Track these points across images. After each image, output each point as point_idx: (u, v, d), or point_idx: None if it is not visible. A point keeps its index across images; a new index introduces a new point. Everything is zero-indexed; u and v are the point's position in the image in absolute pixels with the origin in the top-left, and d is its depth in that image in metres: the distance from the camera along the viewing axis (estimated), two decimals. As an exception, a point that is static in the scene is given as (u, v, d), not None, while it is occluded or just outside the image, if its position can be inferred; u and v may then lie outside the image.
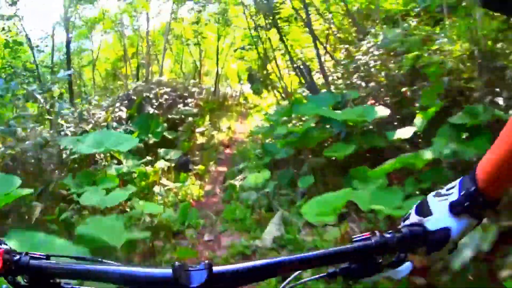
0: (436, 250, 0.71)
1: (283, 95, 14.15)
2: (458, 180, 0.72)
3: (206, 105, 12.70)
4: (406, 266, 0.71)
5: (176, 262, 0.64)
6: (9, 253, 0.70)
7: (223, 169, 7.18)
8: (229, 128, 12.06)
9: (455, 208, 0.68)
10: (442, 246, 0.70)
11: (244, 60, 22.05)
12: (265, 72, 17.19)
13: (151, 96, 8.91)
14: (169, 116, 8.75)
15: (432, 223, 0.70)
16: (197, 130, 9.53)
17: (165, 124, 8.01)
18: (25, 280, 0.71)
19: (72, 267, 0.72)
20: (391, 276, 0.72)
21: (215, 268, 0.64)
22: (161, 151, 6.94)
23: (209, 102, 13.27)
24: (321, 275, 0.74)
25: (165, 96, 9.66)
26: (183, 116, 9.83)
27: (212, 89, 16.79)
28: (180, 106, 10.16)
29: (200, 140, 9.03)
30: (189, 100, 11.18)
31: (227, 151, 8.75)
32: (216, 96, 16.38)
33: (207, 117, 11.98)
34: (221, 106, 16.22)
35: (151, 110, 7.98)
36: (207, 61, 20.38)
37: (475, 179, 0.68)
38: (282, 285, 0.74)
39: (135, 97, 8.72)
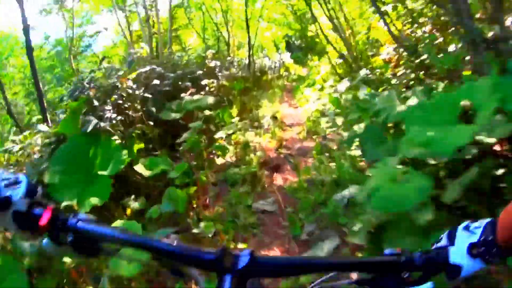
0: (450, 280, 0.75)
1: (347, 59, 9.50)
2: (485, 221, 0.76)
3: (235, 84, 8.22)
4: (428, 286, 0.72)
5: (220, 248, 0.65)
6: (57, 211, 0.74)
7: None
8: (274, 118, 7.54)
9: (472, 250, 0.73)
10: (454, 278, 0.75)
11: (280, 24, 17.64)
12: (314, 33, 12.64)
13: (123, 86, 4.57)
14: (149, 123, 4.38)
15: (452, 255, 0.75)
16: (218, 135, 5.19)
17: (140, 145, 3.69)
18: (69, 239, 0.71)
19: (122, 235, 0.72)
20: None
21: (258, 256, 0.66)
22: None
23: (238, 79, 8.76)
24: (351, 281, 0.76)
25: (155, 81, 5.33)
26: (194, 111, 5.51)
27: (246, 61, 12.32)
28: (187, 94, 5.80)
29: (221, 159, 4.68)
30: (206, 81, 6.78)
31: (278, 181, 4.27)
32: (251, 70, 11.84)
33: (237, 106, 7.55)
34: (258, 83, 11.70)
35: (105, 123, 3.57)
36: (237, 32, 16.04)
37: (495, 228, 0.73)
38: (317, 281, 0.77)
39: (92, 94, 4.42)
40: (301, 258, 0.82)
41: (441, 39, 5.34)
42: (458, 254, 0.75)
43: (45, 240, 0.73)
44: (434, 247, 0.80)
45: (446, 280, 0.77)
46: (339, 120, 5.36)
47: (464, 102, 2.02)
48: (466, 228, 0.77)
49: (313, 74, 13.07)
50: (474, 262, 0.74)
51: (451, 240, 0.77)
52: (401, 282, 0.73)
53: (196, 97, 5.73)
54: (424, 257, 0.74)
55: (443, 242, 0.79)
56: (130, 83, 4.71)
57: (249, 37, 12.34)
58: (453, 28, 4.67)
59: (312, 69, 14.06)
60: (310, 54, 17.49)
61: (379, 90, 5.16)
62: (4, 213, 0.71)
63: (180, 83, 5.99)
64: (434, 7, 5.64)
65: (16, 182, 0.74)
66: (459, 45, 4.39)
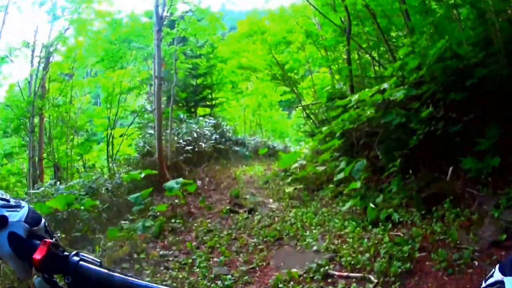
0: None
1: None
2: None
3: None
4: None
5: None
6: (57, 247, 0.65)
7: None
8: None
9: None
10: None
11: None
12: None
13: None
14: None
15: (509, 284, 0.68)
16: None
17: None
18: (66, 281, 0.63)
19: (133, 282, 0.64)
20: None
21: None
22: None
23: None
24: None
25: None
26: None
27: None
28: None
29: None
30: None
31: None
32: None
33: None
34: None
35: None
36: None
37: None
38: None
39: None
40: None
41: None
42: None
43: (37, 279, 0.66)
44: (485, 284, 0.71)
45: None
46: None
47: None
48: None
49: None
50: None
51: (505, 271, 0.70)
52: None
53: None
54: None
55: (496, 275, 0.71)
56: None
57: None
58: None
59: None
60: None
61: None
62: None
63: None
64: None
65: (17, 206, 0.70)
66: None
